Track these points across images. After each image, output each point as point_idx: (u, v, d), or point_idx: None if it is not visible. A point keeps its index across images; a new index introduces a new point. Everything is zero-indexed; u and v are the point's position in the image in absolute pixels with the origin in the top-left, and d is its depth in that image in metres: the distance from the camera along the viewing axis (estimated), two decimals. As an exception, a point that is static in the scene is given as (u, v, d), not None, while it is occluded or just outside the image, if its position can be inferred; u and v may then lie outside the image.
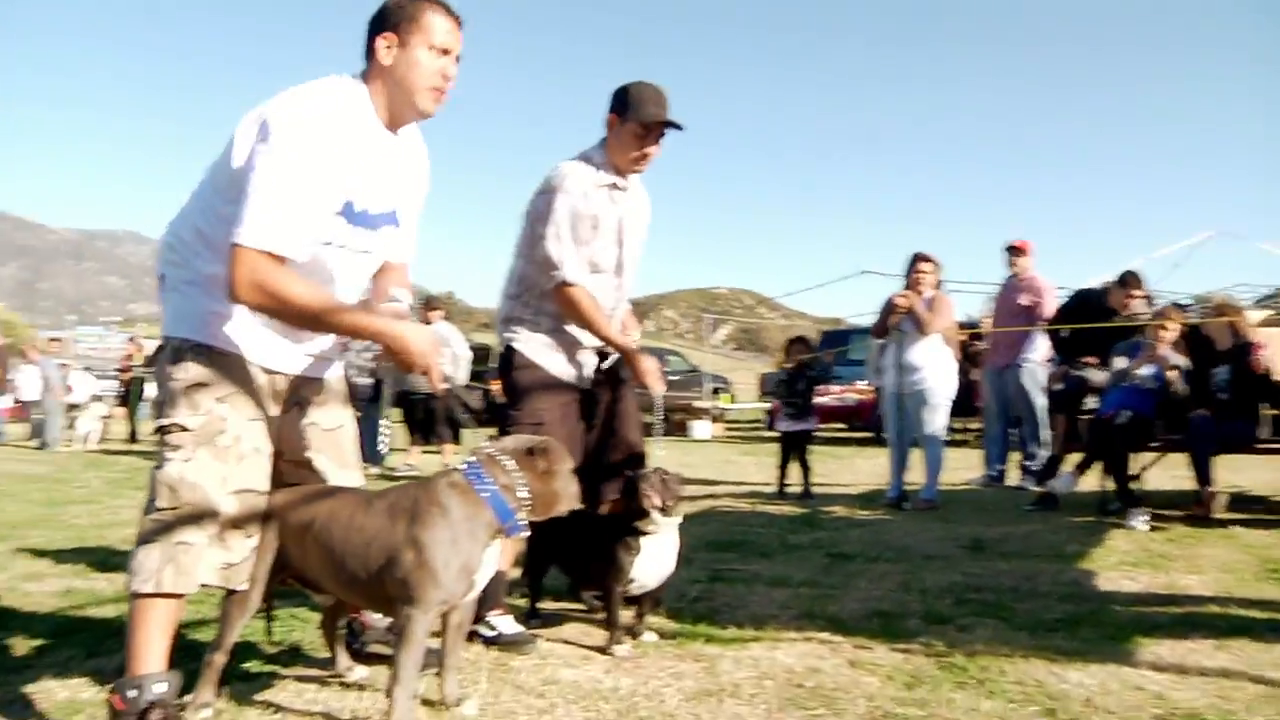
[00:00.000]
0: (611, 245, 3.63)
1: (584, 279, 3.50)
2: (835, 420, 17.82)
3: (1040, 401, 8.46)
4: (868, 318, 9.83)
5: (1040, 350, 8.55)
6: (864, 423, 17.18)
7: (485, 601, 3.21)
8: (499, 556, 2.70)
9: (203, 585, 2.51)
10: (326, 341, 2.83)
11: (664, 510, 3.22)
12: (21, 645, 3.36)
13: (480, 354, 14.69)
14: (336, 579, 2.59)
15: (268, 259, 2.36)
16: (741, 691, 2.83)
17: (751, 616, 3.72)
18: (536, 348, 3.60)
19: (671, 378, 21.85)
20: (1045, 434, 8.37)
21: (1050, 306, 8.44)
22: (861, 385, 17.25)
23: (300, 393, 2.80)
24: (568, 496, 2.74)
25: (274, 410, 2.70)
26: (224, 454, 2.51)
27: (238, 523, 2.55)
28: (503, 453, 2.65)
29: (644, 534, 3.26)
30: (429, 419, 10.79)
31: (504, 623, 3.36)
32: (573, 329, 3.60)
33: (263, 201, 2.36)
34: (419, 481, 2.67)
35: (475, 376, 12.09)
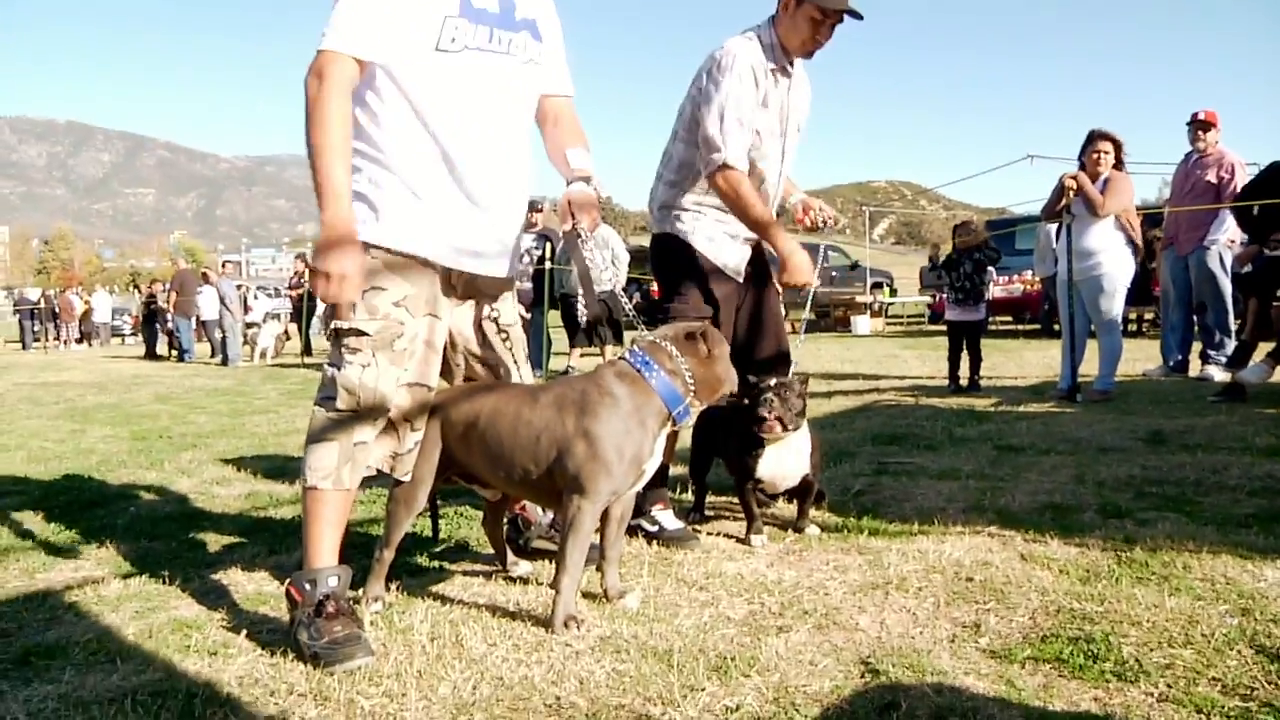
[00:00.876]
0: (775, 134, 3.45)
1: (744, 164, 3.30)
2: (1002, 312, 17.34)
3: (1228, 286, 7.93)
4: (1034, 205, 9.30)
5: (1228, 231, 7.96)
6: (1031, 314, 16.65)
7: (648, 495, 3.21)
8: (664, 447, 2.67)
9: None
10: (506, 239, 2.75)
11: (783, 426, 3.18)
12: (213, 543, 3.57)
13: (639, 256, 14.72)
14: (503, 474, 2.61)
15: (343, 64, 2.36)
16: (908, 584, 2.75)
17: (917, 509, 3.62)
18: (699, 237, 3.45)
19: (832, 274, 21.66)
20: (1233, 321, 7.83)
21: (1242, 183, 7.78)
22: (1028, 276, 16.65)
23: (476, 288, 2.77)
24: (730, 380, 2.70)
25: (450, 306, 2.69)
26: (401, 357, 2.54)
27: (406, 415, 2.60)
28: (664, 339, 2.61)
29: (767, 440, 3.24)
30: (590, 321, 10.68)
31: (666, 517, 3.36)
32: (732, 220, 3.44)
33: (340, 7, 2.38)
34: (585, 374, 2.66)
35: (632, 281, 12.07)
